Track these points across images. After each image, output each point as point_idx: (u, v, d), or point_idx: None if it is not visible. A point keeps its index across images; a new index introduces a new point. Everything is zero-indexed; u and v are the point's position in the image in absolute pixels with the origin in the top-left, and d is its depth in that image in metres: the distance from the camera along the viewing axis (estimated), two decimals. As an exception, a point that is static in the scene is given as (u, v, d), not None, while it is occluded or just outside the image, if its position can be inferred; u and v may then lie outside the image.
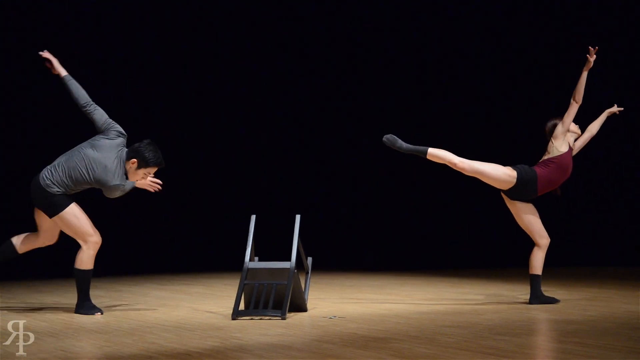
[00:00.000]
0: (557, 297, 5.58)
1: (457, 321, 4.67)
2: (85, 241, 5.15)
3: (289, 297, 4.87)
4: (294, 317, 4.93)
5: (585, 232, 9.86)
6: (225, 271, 8.54)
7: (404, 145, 5.30)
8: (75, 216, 5.12)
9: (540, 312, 5.08)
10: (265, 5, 10.09)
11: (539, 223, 5.47)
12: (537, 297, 5.43)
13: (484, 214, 9.96)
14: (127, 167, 5.14)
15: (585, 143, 5.65)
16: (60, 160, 5.15)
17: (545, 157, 5.46)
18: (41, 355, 3.73)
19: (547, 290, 5.75)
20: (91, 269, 5.19)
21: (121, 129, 5.19)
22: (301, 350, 3.82)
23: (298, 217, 5.16)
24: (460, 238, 10.04)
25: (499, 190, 5.49)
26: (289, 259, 4.99)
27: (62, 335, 4.31)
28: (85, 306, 5.20)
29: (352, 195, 10.23)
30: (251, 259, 5.12)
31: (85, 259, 5.16)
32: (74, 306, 5.27)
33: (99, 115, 5.19)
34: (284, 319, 4.79)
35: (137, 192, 9.90)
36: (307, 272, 5.52)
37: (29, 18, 9.02)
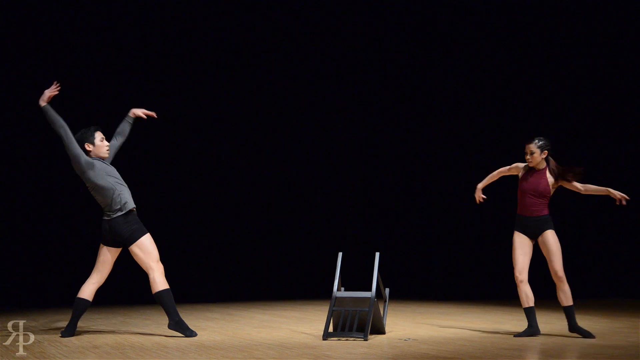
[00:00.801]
0: (602, 324, 5.33)
1: (514, 344, 4.55)
2: (155, 264, 4.96)
3: (370, 322, 4.86)
4: (374, 339, 4.90)
5: (630, 265, 9.42)
6: (317, 299, 8.55)
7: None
8: (151, 243, 5.00)
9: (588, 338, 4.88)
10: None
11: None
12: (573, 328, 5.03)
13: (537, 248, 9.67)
14: (90, 148, 5.02)
15: (571, 188, 5.10)
16: (106, 194, 4.98)
17: None
18: (171, 367, 3.82)
19: (594, 319, 5.50)
20: (169, 288, 4.97)
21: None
22: (382, 367, 3.79)
23: (377, 254, 5.16)
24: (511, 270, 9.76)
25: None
26: (370, 290, 4.99)
27: (187, 351, 4.41)
28: (181, 325, 4.96)
29: (423, 232, 10.07)
30: (338, 289, 5.13)
31: (162, 280, 4.94)
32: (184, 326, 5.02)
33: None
34: (365, 340, 4.77)
35: (244, 235, 9.82)
36: (385, 301, 5.49)
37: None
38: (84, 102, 8.60)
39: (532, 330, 4.96)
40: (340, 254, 5.20)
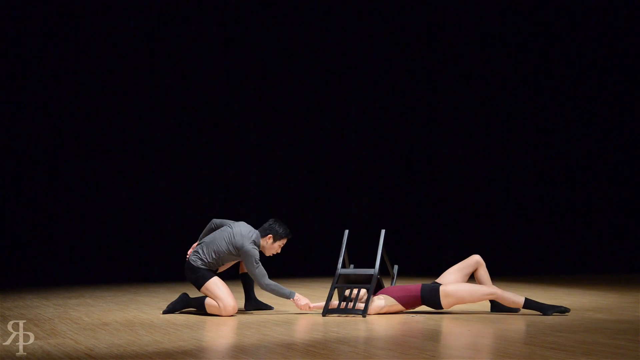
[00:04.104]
0: (610, 299, 5.32)
1: (521, 319, 4.56)
2: (221, 304, 4.94)
3: (370, 299, 4.86)
4: (381, 315, 4.90)
5: (638, 240, 9.40)
6: (324, 276, 8.58)
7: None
8: (216, 286, 4.96)
9: (594, 313, 4.89)
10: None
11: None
12: None
13: (544, 223, 9.68)
14: (264, 243, 5.02)
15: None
16: (202, 242, 5.09)
17: None
18: (180, 343, 3.86)
19: (602, 294, 5.49)
20: (203, 311, 5.01)
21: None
22: (389, 342, 3.81)
23: (383, 231, 5.15)
24: (521, 246, 9.77)
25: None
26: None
27: (196, 327, 4.44)
28: (170, 308, 5.12)
29: (432, 209, 10.06)
30: (346, 266, 5.13)
31: (212, 308, 4.96)
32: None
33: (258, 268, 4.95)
34: (364, 316, 4.78)
35: (250, 212, 9.91)
36: (393, 278, 5.48)
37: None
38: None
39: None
40: (346, 232, 5.20)
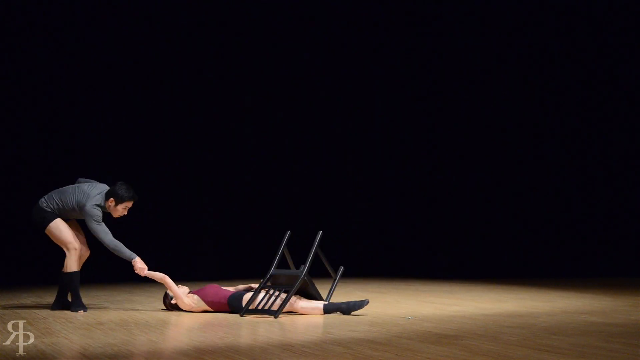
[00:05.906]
0: (605, 302, 5.33)
1: (517, 322, 4.57)
2: (68, 248, 5.20)
3: (287, 301, 4.85)
4: (377, 317, 4.91)
5: (633, 244, 9.42)
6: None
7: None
8: (58, 228, 5.19)
9: (589, 316, 4.90)
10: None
11: None
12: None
13: (540, 226, 9.69)
14: (107, 206, 5.20)
15: None
16: (56, 190, 5.29)
17: None
18: (174, 343, 3.85)
19: (597, 297, 5.49)
20: (77, 271, 5.22)
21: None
22: (384, 344, 3.81)
23: (320, 232, 5.13)
24: (518, 249, 9.78)
25: None
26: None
27: (191, 327, 4.42)
28: (74, 304, 5.21)
29: (429, 209, 10.04)
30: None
31: (70, 264, 5.19)
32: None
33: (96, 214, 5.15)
34: (275, 317, 4.78)
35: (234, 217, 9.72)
36: (334, 280, 5.34)
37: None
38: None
39: None
40: (288, 233, 5.17)
